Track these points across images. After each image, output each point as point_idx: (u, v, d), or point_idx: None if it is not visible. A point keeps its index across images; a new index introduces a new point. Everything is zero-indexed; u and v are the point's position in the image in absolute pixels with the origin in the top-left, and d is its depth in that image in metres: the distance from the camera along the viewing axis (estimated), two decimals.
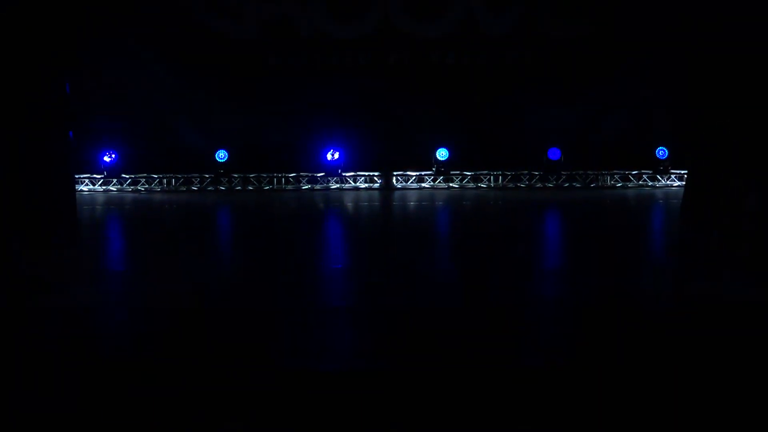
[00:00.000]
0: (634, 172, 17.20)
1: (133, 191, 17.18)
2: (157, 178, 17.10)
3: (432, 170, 17.59)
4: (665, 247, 11.81)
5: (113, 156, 16.91)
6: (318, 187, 17.54)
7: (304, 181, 17.63)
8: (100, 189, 17.19)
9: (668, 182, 17.08)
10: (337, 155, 17.23)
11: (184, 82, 16.71)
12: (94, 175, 17.15)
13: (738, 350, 6.27)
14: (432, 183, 17.71)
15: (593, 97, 16.73)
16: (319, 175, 17.55)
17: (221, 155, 17.06)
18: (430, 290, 8.59)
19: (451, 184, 17.67)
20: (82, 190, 16.79)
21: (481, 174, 17.70)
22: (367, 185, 17.70)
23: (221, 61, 16.75)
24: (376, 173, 17.73)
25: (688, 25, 14.69)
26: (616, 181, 17.32)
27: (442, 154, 17.35)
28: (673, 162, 16.85)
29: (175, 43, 16.59)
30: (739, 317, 7.21)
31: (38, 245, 9.85)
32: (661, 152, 16.69)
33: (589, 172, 17.45)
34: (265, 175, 17.57)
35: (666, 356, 6.24)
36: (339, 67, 17.08)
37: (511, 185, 17.58)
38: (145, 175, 17.26)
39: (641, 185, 17.27)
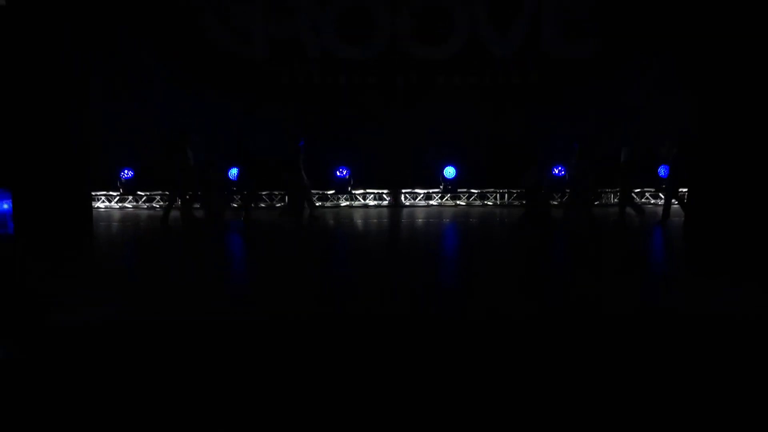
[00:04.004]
0: (636, 190, 17.40)
1: (148, 208, 17.57)
2: None
3: (440, 188, 17.93)
4: (668, 259, 11.93)
5: (129, 173, 17.32)
6: (328, 204, 17.88)
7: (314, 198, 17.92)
8: (116, 206, 17.66)
9: None
10: (346, 173, 17.57)
11: (196, 99, 17.07)
12: (111, 192, 17.60)
13: (736, 360, 6.49)
14: (440, 200, 18.02)
15: (598, 115, 16.99)
16: (329, 192, 17.89)
17: (233, 173, 17.38)
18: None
19: (458, 202, 17.98)
20: (98, 207, 17.27)
21: (488, 192, 18.01)
22: (376, 203, 18.03)
23: (233, 79, 17.16)
24: (384, 191, 18.07)
25: (693, 41, 14.79)
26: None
27: (449, 172, 17.68)
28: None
29: (188, 62, 17.04)
30: (740, 328, 7.38)
31: (50, 257, 10.09)
32: (664, 170, 16.85)
33: None
34: (276, 192, 17.91)
35: (664, 364, 6.43)
36: (348, 86, 17.45)
37: (516, 203, 17.86)
38: (159, 192, 17.69)
39: (644, 203, 17.50)
